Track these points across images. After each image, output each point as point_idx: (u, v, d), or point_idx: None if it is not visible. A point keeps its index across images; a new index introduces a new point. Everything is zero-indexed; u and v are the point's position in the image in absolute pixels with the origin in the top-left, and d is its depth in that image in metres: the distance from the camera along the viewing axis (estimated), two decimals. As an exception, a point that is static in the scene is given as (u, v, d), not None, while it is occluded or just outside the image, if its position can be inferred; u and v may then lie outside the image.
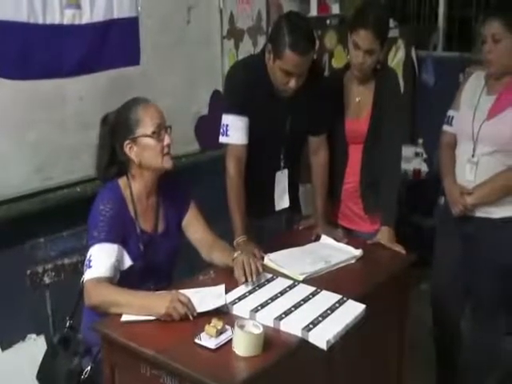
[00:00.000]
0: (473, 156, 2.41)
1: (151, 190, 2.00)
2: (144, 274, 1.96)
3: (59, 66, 2.62)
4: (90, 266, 1.80)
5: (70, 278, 2.22)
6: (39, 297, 2.18)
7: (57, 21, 2.56)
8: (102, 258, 1.81)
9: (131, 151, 1.93)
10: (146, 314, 1.71)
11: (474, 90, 2.48)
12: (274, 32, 2.17)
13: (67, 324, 2.02)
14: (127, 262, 1.91)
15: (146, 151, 1.92)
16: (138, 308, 1.72)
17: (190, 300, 1.71)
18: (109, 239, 1.84)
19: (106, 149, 2.00)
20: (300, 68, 2.12)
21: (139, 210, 1.97)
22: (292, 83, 2.14)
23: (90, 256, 1.82)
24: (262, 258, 2.10)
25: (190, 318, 1.68)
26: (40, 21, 2.50)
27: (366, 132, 2.41)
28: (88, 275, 1.80)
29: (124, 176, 1.98)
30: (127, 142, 1.92)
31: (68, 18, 2.60)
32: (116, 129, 1.96)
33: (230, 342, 1.57)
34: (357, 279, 2.10)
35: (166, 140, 1.94)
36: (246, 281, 1.87)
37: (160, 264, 2.01)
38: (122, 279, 1.89)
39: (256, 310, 1.73)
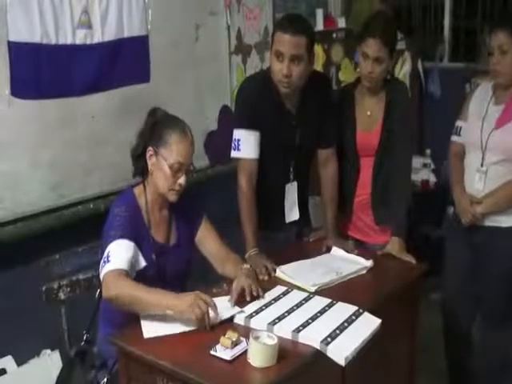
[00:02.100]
0: (482, 165, 2.43)
1: (163, 201, 2.03)
2: (156, 285, 1.98)
3: (71, 85, 2.66)
4: (108, 261, 1.80)
5: (84, 294, 2.24)
6: (54, 312, 2.21)
7: (69, 41, 2.61)
8: (121, 252, 1.82)
9: (150, 159, 1.96)
10: (165, 309, 1.72)
11: (481, 101, 2.51)
12: (274, 26, 2.24)
13: (84, 337, 2.04)
14: (142, 263, 1.92)
15: (159, 173, 1.94)
16: (158, 304, 1.74)
17: (211, 299, 1.74)
18: (125, 236, 1.86)
19: (143, 138, 2.01)
20: (289, 49, 2.12)
21: (152, 220, 2.00)
22: (284, 69, 2.13)
23: (108, 252, 1.82)
24: (274, 271, 2.12)
25: (212, 314, 1.71)
26: (53, 41, 2.55)
27: (377, 145, 2.43)
28: (107, 268, 1.79)
29: (140, 184, 2.02)
30: (151, 148, 1.95)
31: (80, 38, 2.64)
32: (153, 128, 1.98)
33: (245, 353, 1.59)
34: (368, 290, 2.11)
35: (181, 180, 1.94)
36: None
37: (171, 276, 2.02)
38: None
39: (274, 322, 1.74)
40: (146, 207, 1.99)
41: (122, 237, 1.85)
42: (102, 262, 1.84)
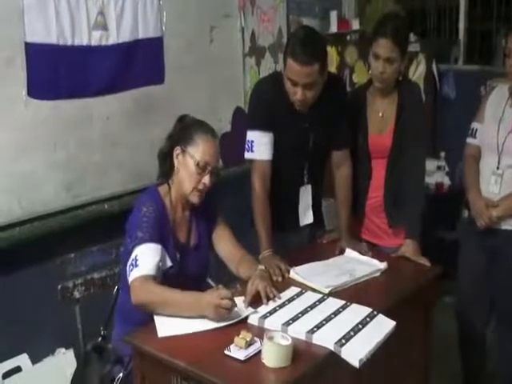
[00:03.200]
0: (497, 168, 2.41)
1: (186, 202, 2.04)
2: (176, 285, 1.98)
3: (87, 86, 2.68)
4: (136, 265, 1.82)
5: (99, 293, 2.26)
6: (69, 311, 2.23)
7: (85, 42, 2.64)
8: (149, 257, 1.84)
9: (177, 158, 1.99)
10: (195, 312, 1.76)
11: (497, 103, 2.49)
12: (287, 41, 2.22)
13: (101, 333, 2.05)
14: (168, 263, 1.94)
15: (185, 170, 1.97)
16: (186, 307, 1.77)
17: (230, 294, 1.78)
18: (153, 239, 1.87)
19: (171, 139, 2.05)
20: (301, 78, 2.12)
21: (176, 220, 2.01)
22: (298, 95, 2.15)
23: (136, 256, 1.84)
24: (288, 272, 2.12)
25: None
26: (69, 42, 2.58)
27: (390, 146, 2.41)
28: (135, 274, 1.81)
29: (165, 184, 2.04)
30: (178, 147, 1.98)
31: (95, 39, 2.67)
32: (182, 131, 2.02)
33: (259, 353, 1.59)
34: (382, 292, 2.11)
35: (205, 180, 1.97)
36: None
37: (191, 277, 2.03)
38: None
39: (288, 323, 1.74)
40: (171, 206, 2.00)
41: (150, 240, 1.86)
42: (129, 263, 1.85)
